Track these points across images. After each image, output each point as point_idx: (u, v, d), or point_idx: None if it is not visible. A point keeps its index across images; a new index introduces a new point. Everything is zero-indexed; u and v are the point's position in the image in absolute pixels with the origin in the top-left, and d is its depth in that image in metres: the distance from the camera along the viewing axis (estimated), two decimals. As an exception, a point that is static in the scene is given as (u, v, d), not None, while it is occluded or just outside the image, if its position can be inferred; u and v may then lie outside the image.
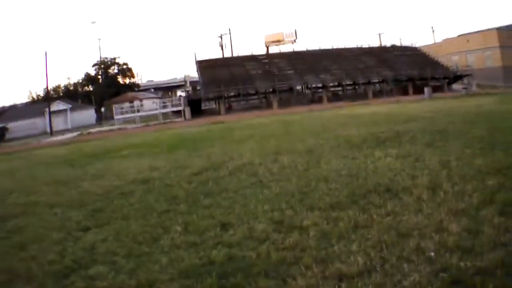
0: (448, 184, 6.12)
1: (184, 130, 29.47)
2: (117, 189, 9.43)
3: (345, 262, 3.88)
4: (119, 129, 47.80)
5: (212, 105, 61.81)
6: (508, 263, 3.54)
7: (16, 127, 62.86)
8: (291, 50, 66.95)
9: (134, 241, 5.35)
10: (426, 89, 39.48)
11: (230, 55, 74.92)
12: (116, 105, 67.81)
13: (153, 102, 79.85)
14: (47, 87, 71.05)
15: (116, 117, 56.49)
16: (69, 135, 48.73)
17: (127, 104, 70.87)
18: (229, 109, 54.15)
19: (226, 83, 53.77)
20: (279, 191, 6.97)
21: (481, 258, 3.67)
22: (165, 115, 54.52)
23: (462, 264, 3.60)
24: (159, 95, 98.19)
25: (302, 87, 56.81)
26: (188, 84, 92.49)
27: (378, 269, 3.67)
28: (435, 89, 47.53)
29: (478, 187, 5.83)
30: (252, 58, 64.04)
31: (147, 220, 6.28)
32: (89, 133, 47.47)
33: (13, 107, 79.97)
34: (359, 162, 8.73)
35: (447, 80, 55.80)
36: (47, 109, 65.09)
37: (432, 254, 3.84)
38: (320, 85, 54.64)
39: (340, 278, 3.57)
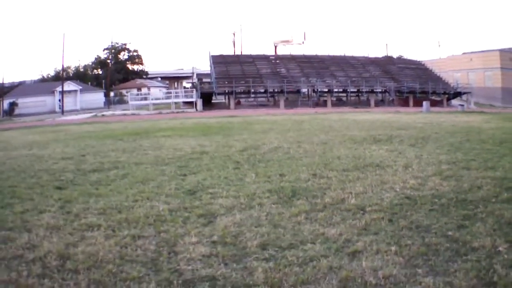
0: (416, 166, 9.81)
1: (203, 120, 32.21)
2: (184, 156, 12.17)
3: (353, 189, 7.58)
4: (133, 114, 50.63)
5: (221, 99, 65.27)
6: (434, 195, 7.13)
7: (25, 103, 65.60)
8: (301, 54, 70.20)
9: (227, 180, 8.84)
10: (424, 103, 42.00)
11: (240, 51, 78.46)
12: (130, 91, 71.34)
13: (160, 90, 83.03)
14: (62, 67, 73.25)
15: (130, 102, 59.83)
16: (82, 116, 51.22)
17: (135, 91, 74.18)
18: (237, 105, 57.40)
19: (237, 79, 57.11)
20: (308, 162, 10.66)
21: (421, 192, 7.33)
22: (175, 104, 57.71)
23: (411, 193, 7.27)
24: (166, 84, 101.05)
25: (308, 90, 60.17)
26: (195, 77, 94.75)
27: (369, 192, 7.37)
28: (435, 104, 50.53)
29: (434, 168, 9.47)
30: (263, 57, 67.52)
31: (226, 171, 9.79)
32: (103, 115, 50.36)
33: (23, 84, 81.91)
34: (360, 151, 12.37)
35: (446, 96, 58.85)
36: (57, 88, 67.72)
37: (398, 189, 7.53)
38: (325, 89, 57.85)
39: (350, 193, 7.27)
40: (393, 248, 4.84)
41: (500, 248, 4.74)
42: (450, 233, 5.30)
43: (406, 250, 4.78)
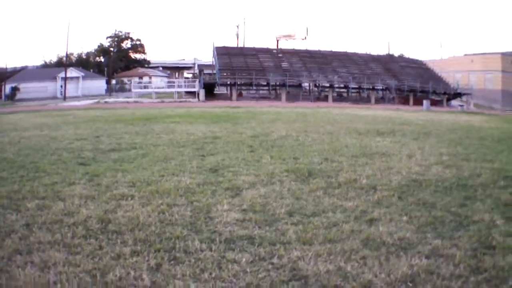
0: (419, 156, 10.53)
1: (207, 109, 32.40)
2: (198, 140, 12.66)
3: (363, 172, 8.30)
4: (136, 102, 51.02)
5: (223, 90, 65.79)
6: (438, 179, 7.83)
7: (27, 88, 65.09)
8: (304, 49, 70.44)
9: (245, 160, 9.49)
10: (424, 102, 42.73)
11: (242, 44, 79.00)
12: (131, 79, 71.96)
13: (161, 80, 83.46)
14: (66, 53, 73.00)
15: (133, 90, 60.45)
16: (85, 102, 51.29)
17: (136, 79, 74.65)
18: (239, 96, 57.92)
19: (240, 71, 57.66)
20: (318, 148, 11.36)
21: (426, 176, 8.04)
22: (177, 94, 58.10)
23: (417, 177, 7.99)
24: (167, 74, 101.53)
25: (310, 84, 60.74)
26: (196, 67, 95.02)
27: (378, 175, 8.09)
28: (435, 103, 51.02)
29: (436, 158, 10.18)
30: (267, 51, 67.99)
31: (242, 153, 10.43)
32: (106, 102, 50.68)
33: (25, 69, 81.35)
34: (366, 141, 13.06)
35: (446, 96, 59.28)
36: (59, 74, 67.80)
37: (404, 173, 8.23)
38: (327, 84, 58.41)
39: (361, 175, 7.97)
40: (404, 218, 5.57)
41: (498, 222, 5.45)
42: (453, 209, 6.02)
43: (416, 220, 5.50)
